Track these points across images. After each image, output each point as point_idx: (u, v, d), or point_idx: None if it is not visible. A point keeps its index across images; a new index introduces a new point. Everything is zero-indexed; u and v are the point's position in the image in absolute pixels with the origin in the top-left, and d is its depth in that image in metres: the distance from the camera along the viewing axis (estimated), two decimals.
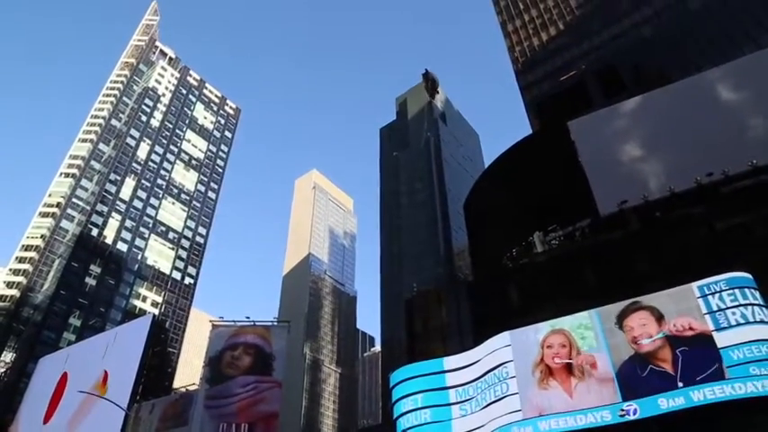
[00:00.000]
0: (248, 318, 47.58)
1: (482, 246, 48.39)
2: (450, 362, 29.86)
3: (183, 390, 48.71)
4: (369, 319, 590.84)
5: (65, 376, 54.20)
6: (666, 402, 21.94)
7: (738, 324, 22.57)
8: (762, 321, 22.44)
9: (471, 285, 37.91)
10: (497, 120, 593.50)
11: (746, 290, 23.40)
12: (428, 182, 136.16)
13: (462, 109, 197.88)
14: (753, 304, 22.95)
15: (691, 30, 71.27)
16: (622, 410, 22.55)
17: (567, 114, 41.62)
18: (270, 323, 48.33)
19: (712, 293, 23.82)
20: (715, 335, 22.74)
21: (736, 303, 23.12)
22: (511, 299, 32.65)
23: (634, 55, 71.84)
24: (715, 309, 23.40)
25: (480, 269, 44.69)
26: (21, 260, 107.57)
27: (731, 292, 23.51)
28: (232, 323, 47.84)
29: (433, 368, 29.94)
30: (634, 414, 22.26)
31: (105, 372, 49.65)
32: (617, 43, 78.32)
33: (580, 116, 40.76)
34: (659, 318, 24.32)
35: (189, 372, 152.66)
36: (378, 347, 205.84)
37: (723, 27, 68.54)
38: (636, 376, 23.33)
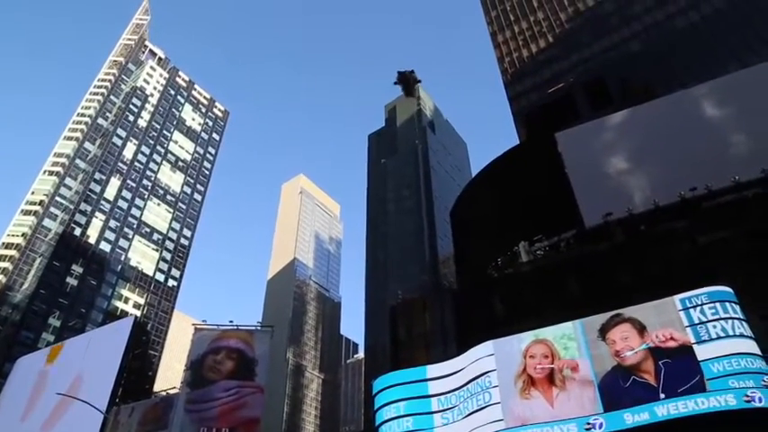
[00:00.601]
0: (231, 322, 47.19)
1: (467, 254, 48.52)
2: (433, 370, 29.85)
3: (164, 393, 48.12)
4: (353, 325, 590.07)
5: (43, 377, 53.38)
6: (632, 417, 22.16)
7: (719, 337, 22.84)
8: (741, 335, 22.73)
9: (456, 294, 37.94)
10: (486, 129, 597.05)
11: (727, 303, 23.69)
12: (415, 189, 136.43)
13: (451, 118, 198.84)
14: (733, 318, 23.24)
15: (677, 47, 72.39)
16: (588, 424, 22.68)
17: (555, 126, 42.00)
18: (253, 328, 47.95)
19: (694, 306, 24.09)
20: (696, 347, 22.98)
21: (717, 317, 23.40)
22: (495, 308, 32.75)
23: (622, 69, 72.73)
24: (696, 322, 23.66)
25: (465, 278, 44.79)
26: (1, 258, 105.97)
27: (712, 305, 23.78)
28: (215, 327, 47.41)
29: (416, 376, 29.92)
30: (600, 428, 22.40)
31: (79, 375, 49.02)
32: (605, 57, 79.25)
33: (567, 128, 41.14)
34: (641, 329, 24.51)
35: (170, 375, 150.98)
36: (361, 354, 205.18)
37: (709, 46, 69.72)
38: (618, 387, 23.47)
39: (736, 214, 28.70)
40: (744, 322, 23.16)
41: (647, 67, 71.73)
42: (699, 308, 23.96)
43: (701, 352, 22.70)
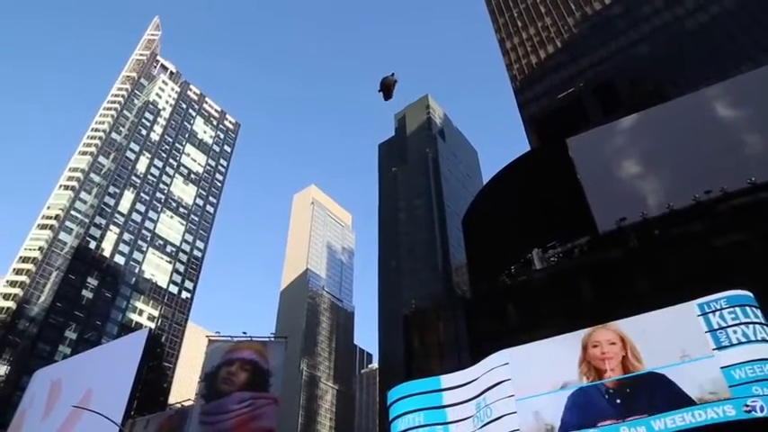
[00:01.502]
0: (245, 333, 47.18)
1: (480, 262, 48.25)
2: (447, 380, 29.59)
3: (179, 405, 48.16)
4: (366, 335, 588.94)
5: (58, 390, 53.65)
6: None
7: (740, 343, 22.34)
8: (763, 340, 22.23)
9: (469, 302, 37.64)
10: (496, 136, 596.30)
11: (747, 308, 23.23)
12: (427, 198, 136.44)
13: (461, 125, 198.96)
14: (754, 323, 22.76)
15: (687, 49, 71.89)
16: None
17: (566, 131, 41.82)
18: (267, 339, 47.91)
19: (713, 311, 23.64)
20: (716, 353, 22.51)
21: (738, 322, 22.92)
22: (509, 316, 32.42)
23: (631, 72, 72.36)
24: (716, 327, 23.19)
25: (478, 286, 44.47)
26: (18, 272, 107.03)
27: (732, 310, 23.32)
28: (229, 338, 47.43)
29: (431, 386, 29.67)
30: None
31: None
32: (614, 61, 78.90)
33: (578, 133, 40.92)
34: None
35: (184, 387, 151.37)
36: (375, 364, 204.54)
37: (720, 46, 69.15)
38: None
39: (752, 216, 28.23)
40: (765, 327, 22.67)
41: (656, 70, 71.30)
42: (718, 313, 23.50)
43: (722, 358, 22.23)
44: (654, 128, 38.32)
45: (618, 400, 23.33)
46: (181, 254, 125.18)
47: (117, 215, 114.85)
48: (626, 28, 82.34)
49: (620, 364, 24.31)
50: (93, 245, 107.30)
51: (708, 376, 21.96)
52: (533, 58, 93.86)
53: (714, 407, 21.08)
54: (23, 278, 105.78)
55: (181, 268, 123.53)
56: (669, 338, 23.92)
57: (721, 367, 21.96)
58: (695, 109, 37.86)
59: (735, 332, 22.70)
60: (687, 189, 31.52)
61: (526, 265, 35.28)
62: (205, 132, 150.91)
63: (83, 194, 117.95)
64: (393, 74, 31.69)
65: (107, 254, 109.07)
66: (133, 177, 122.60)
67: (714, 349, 22.63)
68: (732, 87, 38.14)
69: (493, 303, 33.96)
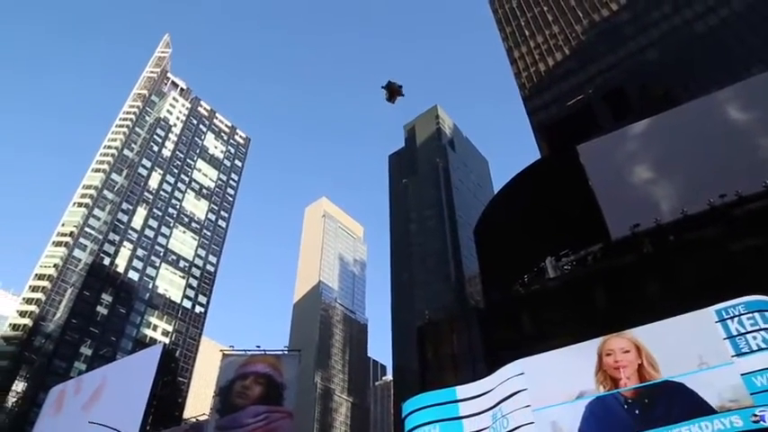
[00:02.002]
0: (259, 347, 47.26)
1: (493, 272, 47.95)
2: (462, 391, 29.30)
3: (194, 420, 48.25)
4: (380, 347, 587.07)
5: (75, 406, 53.83)
6: None
7: (760, 349, 21.88)
8: None
9: (483, 312, 37.34)
10: (506, 145, 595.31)
11: (767, 313, 22.84)
12: (438, 208, 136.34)
13: (471, 135, 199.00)
14: None
15: (697, 52, 71.57)
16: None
17: (576, 138, 41.56)
18: (280, 352, 47.96)
19: (731, 317, 23.22)
20: (736, 360, 22.11)
21: (757, 327, 22.47)
22: (523, 325, 32.12)
23: (641, 77, 71.95)
24: (735, 333, 22.76)
25: (491, 295, 44.17)
26: (34, 289, 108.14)
27: (751, 315, 22.90)
28: (243, 352, 47.51)
29: (446, 397, 29.38)
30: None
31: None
32: (623, 66, 78.68)
33: (589, 140, 40.68)
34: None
35: (199, 402, 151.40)
36: (389, 376, 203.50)
37: (730, 49, 68.78)
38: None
39: None
40: None
41: (666, 75, 70.97)
42: (736, 318, 23.09)
43: (742, 365, 21.81)
44: (665, 132, 38.01)
45: (636, 410, 22.96)
46: (194, 269, 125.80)
47: (130, 231, 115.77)
48: (634, 33, 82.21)
49: (636, 372, 23.94)
50: (107, 261, 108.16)
51: (728, 384, 21.55)
52: (542, 66, 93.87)
53: (721, 417, 20.65)
54: (39, 295, 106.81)
55: (194, 283, 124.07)
56: (686, 346, 23.53)
57: (741, 374, 21.54)
58: (707, 112, 37.53)
59: (754, 338, 22.28)
60: (701, 194, 31.18)
61: (539, 273, 35.00)
62: (216, 147, 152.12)
63: (96, 211, 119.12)
64: (401, 86, 32.01)
65: (121, 270, 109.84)
66: (146, 193, 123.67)
67: (733, 356, 22.22)
68: (743, 90, 37.80)
69: (507, 313, 33.67)
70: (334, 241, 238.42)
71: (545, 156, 70.83)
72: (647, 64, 76.00)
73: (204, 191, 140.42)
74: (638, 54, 79.34)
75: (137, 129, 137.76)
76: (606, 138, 40.90)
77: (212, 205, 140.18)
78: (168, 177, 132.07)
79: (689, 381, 22.39)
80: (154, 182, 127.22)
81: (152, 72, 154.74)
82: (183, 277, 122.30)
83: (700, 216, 30.25)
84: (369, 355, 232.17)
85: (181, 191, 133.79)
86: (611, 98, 57.92)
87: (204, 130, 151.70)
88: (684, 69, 70.40)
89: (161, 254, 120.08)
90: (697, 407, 21.56)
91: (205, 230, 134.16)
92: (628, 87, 60.59)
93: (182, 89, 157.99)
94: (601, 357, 25.18)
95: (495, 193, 65.86)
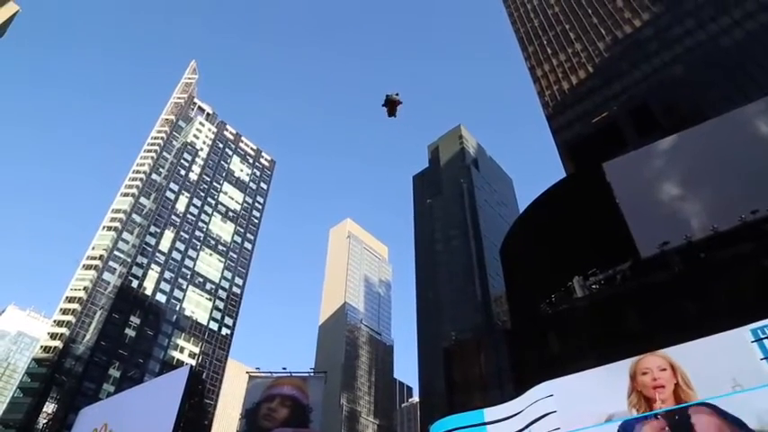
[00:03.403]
0: (285, 368, 47.25)
1: (520, 292, 47.40)
2: (491, 413, 28.85)
3: None
4: (406, 368, 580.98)
5: (104, 427, 54.25)
6: None
7: None
8: None
9: (510, 333, 36.88)
10: (531, 164, 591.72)
11: None
12: (463, 228, 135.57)
13: (495, 154, 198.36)
14: None
15: (724, 67, 70.53)
16: None
17: (602, 156, 41.13)
18: (306, 374, 47.86)
19: None
20: None
21: None
22: (551, 346, 31.61)
23: (666, 93, 71.25)
24: None
25: (518, 316, 43.64)
26: (65, 312, 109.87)
27: None
28: (269, 374, 47.53)
29: (474, 420, 28.97)
30: None
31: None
32: (648, 83, 77.88)
33: (615, 157, 40.23)
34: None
35: (225, 423, 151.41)
36: (416, 398, 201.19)
37: (758, 62, 67.63)
38: None
39: None
40: None
41: (692, 90, 70.05)
42: None
43: None
44: (693, 148, 37.39)
45: None
46: (220, 291, 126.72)
47: (158, 254, 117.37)
48: (658, 49, 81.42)
49: (673, 393, 23.24)
50: (135, 284, 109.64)
51: (766, 406, 20.77)
52: (565, 84, 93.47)
53: None
54: (70, 318, 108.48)
55: (220, 305, 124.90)
56: (720, 367, 22.77)
57: None
58: (736, 127, 36.83)
59: None
60: (732, 209, 30.51)
61: (567, 293, 34.49)
62: (242, 171, 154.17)
63: (125, 235, 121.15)
64: (397, 93, 31.99)
65: (149, 292, 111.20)
66: (173, 217, 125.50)
67: None
68: None
69: (534, 333, 33.20)
70: (359, 262, 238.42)
71: (570, 174, 70.22)
72: (673, 80, 75.13)
73: (230, 213, 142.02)
74: (663, 70, 78.51)
75: (164, 153, 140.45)
76: (632, 155, 40.42)
77: (238, 228, 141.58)
78: (195, 201, 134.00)
79: (724, 402, 21.64)
80: (181, 205, 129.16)
81: (179, 98, 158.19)
82: (210, 299, 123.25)
83: (731, 232, 29.56)
84: (395, 376, 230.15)
85: (207, 214, 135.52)
86: (637, 115, 57.45)
87: (230, 153, 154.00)
88: (711, 84, 69.39)
89: (188, 276, 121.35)
90: (735, 430, 20.80)
91: (231, 253, 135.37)
92: (653, 103, 60.08)
93: (208, 114, 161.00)
94: (634, 378, 24.52)
95: (521, 212, 65.42)
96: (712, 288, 27.77)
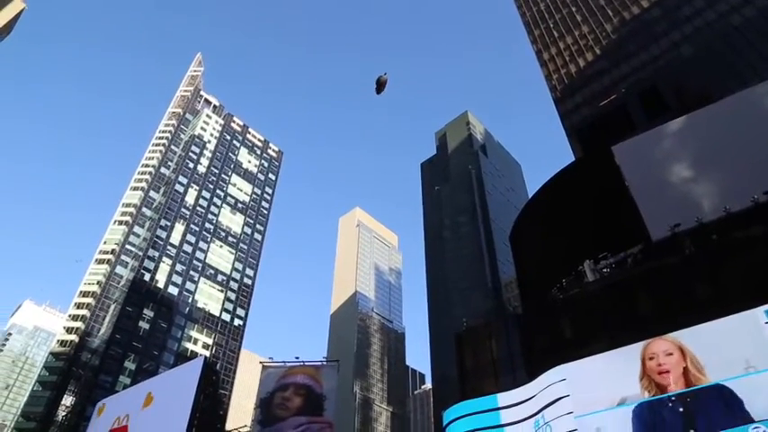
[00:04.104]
0: (297, 358, 47.69)
1: (530, 277, 47.34)
2: (504, 398, 28.97)
3: None
4: (418, 355, 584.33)
5: (120, 419, 54.96)
6: None
7: None
8: None
9: (521, 318, 36.86)
10: (540, 149, 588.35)
11: None
12: (472, 214, 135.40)
13: (503, 139, 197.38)
14: None
15: (734, 45, 69.58)
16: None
17: (611, 139, 40.83)
18: (319, 363, 48.26)
19: None
20: None
21: None
22: (563, 331, 31.57)
23: (675, 75, 70.46)
24: None
25: (529, 301, 43.60)
26: (79, 306, 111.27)
27: None
28: (282, 364, 47.97)
29: (487, 405, 29.09)
30: None
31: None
32: (656, 64, 77.04)
33: (624, 140, 39.92)
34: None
35: (240, 413, 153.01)
36: (428, 384, 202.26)
37: None
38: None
39: None
40: None
41: (702, 70, 69.21)
42: None
43: None
44: (704, 129, 37.00)
45: (687, 417, 22.24)
46: (232, 282, 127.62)
47: (169, 247, 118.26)
48: (667, 30, 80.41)
49: (682, 376, 23.19)
50: (147, 277, 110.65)
51: None
52: (572, 67, 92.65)
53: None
54: (85, 312, 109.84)
55: (232, 296, 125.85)
56: (733, 349, 22.64)
57: None
58: (747, 106, 36.38)
59: None
60: (744, 190, 30.19)
61: (578, 277, 34.37)
62: (250, 162, 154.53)
63: (136, 228, 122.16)
64: (385, 73, 36.45)
65: (161, 285, 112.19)
66: (183, 209, 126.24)
67: None
68: None
69: (546, 318, 33.18)
70: (368, 251, 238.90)
71: (579, 158, 69.78)
72: (682, 60, 74.24)
73: (239, 205, 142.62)
74: (672, 50, 77.57)
75: (173, 147, 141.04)
76: (641, 137, 40.05)
77: (248, 219, 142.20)
78: (204, 193, 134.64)
79: (737, 384, 21.59)
80: (190, 198, 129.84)
81: (185, 91, 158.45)
82: (222, 291, 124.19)
83: (744, 213, 29.28)
84: (407, 363, 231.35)
85: (217, 206, 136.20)
86: (645, 97, 56.88)
87: (237, 145, 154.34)
88: (722, 63, 68.51)
89: (199, 268, 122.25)
90: (748, 412, 20.78)
91: (241, 244, 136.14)
92: (662, 85, 59.45)
93: (215, 106, 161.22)
94: (644, 362, 24.52)
95: (530, 196, 65.21)
96: (724, 270, 27.59)
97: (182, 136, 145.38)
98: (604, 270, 34.05)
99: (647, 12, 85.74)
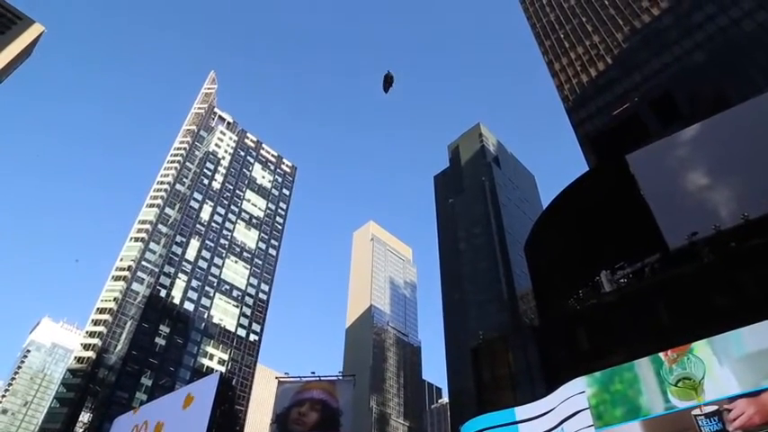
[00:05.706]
0: (313, 373, 47.42)
1: (546, 288, 46.96)
2: (522, 412, 28.63)
3: None
4: (434, 369, 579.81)
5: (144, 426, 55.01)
6: None
7: None
8: None
9: (538, 330, 36.52)
10: (553, 160, 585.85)
11: None
12: (486, 226, 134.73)
13: (516, 150, 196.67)
14: None
15: (747, 51, 68.98)
16: None
17: (625, 147, 40.57)
18: (335, 377, 47.96)
19: None
20: None
21: None
22: (580, 342, 31.22)
23: (688, 82, 69.93)
24: None
25: (546, 312, 43.23)
26: (96, 323, 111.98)
27: None
28: (298, 379, 47.76)
29: (505, 419, 28.77)
30: None
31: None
32: (669, 72, 76.49)
33: (638, 148, 39.63)
34: None
35: (256, 429, 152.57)
36: (445, 398, 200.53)
37: None
38: None
39: None
40: None
41: (716, 77, 68.62)
42: None
43: None
44: (719, 136, 36.62)
45: (710, 425, 21.79)
46: (247, 297, 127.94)
47: (184, 263, 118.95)
48: (679, 37, 79.92)
49: (701, 385, 22.79)
50: (163, 293, 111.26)
51: None
52: (584, 77, 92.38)
53: None
54: (101, 329, 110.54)
55: (247, 311, 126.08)
56: (753, 358, 22.26)
57: None
58: (761, 113, 36.00)
59: None
60: (762, 197, 29.83)
61: (595, 288, 34.03)
62: (263, 177, 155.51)
63: (152, 245, 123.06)
64: (389, 71, 37.56)
65: (177, 301, 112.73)
66: (198, 226, 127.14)
67: None
68: None
69: (563, 330, 32.85)
70: (383, 264, 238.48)
71: (593, 167, 69.36)
72: (695, 67, 73.70)
73: (254, 220, 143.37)
74: (685, 57, 77.02)
75: (187, 163, 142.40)
76: (656, 145, 39.75)
77: (262, 234, 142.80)
78: (219, 209, 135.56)
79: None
80: (205, 214, 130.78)
81: (200, 108, 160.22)
82: (237, 306, 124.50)
83: (762, 221, 28.86)
84: (423, 377, 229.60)
85: (231, 221, 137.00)
86: (659, 104, 56.56)
87: (251, 161, 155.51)
88: (735, 70, 67.91)
89: (214, 284, 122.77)
90: None
91: (256, 259, 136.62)
92: (675, 93, 59.05)
93: (228, 123, 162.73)
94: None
95: (544, 208, 64.85)
96: (744, 278, 27.16)
97: (196, 153, 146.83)
98: (621, 280, 33.66)
99: (658, 20, 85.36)
